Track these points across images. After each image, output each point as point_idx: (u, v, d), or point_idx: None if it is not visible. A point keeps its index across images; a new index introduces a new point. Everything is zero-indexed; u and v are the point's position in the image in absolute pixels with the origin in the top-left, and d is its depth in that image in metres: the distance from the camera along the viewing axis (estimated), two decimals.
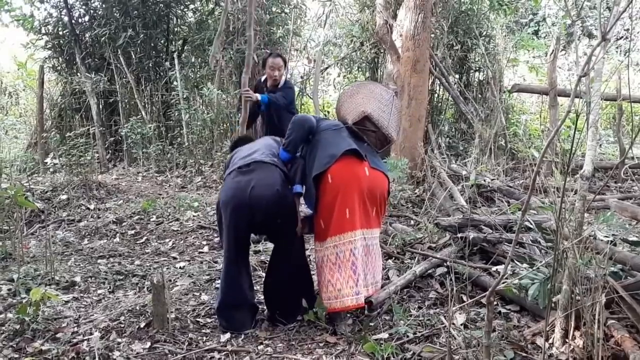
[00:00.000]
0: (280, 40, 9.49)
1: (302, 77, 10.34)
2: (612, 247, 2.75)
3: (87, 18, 9.52)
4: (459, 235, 4.00)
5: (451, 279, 3.58)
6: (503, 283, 3.61)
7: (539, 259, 3.54)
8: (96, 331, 3.39)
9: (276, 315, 3.45)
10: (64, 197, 6.60)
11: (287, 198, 3.26)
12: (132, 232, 5.61)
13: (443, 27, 8.02)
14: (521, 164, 7.11)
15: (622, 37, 14.62)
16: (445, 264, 3.91)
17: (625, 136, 8.19)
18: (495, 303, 3.34)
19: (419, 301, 3.67)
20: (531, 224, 4.13)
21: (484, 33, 8.79)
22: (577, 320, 2.80)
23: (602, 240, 2.98)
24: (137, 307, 3.70)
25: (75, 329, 3.46)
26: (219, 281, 3.53)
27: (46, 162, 7.41)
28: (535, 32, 15.30)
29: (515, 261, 3.60)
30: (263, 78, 5.58)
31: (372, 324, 3.31)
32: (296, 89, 10.58)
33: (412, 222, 5.45)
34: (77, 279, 4.35)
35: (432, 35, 7.85)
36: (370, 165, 3.32)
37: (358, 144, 3.35)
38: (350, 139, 3.36)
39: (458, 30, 8.54)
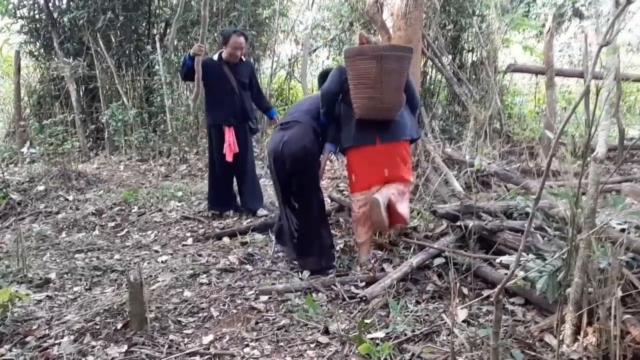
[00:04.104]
0: (267, 21, 9.16)
1: (289, 60, 10.01)
2: (628, 236, 2.52)
3: (64, 0, 9.10)
4: (458, 223, 3.76)
5: (450, 271, 3.37)
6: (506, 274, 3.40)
7: (543, 247, 3.33)
8: (69, 334, 3.14)
9: (311, 269, 3.88)
10: (42, 188, 6.31)
11: (312, 152, 3.87)
12: (113, 224, 5.33)
13: (435, 5, 7.72)
14: (517, 147, 6.88)
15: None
16: (443, 254, 3.67)
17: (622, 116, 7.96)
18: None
19: (417, 294, 3.44)
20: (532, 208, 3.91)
21: (477, 12, 8.50)
22: (590, 315, 2.58)
23: (614, 228, 2.76)
24: (115, 306, 3.45)
25: (47, 332, 3.21)
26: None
27: (22, 152, 7.08)
28: (526, 14, 15.00)
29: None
30: (216, 56, 5.25)
31: (367, 320, 3.07)
32: (283, 72, 10.34)
33: None
34: (52, 275, 4.09)
35: (424, 15, 7.55)
36: (381, 143, 3.77)
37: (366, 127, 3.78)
38: (357, 127, 3.81)
39: (450, 9, 8.24)
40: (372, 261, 3.93)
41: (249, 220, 5.25)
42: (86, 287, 3.92)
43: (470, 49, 8.82)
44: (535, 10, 15.00)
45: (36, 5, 8.92)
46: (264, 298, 3.51)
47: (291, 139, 3.82)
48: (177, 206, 5.68)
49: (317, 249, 3.94)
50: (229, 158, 5.21)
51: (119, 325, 3.21)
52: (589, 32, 11.00)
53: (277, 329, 3.07)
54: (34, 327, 3.28)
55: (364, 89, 3.62)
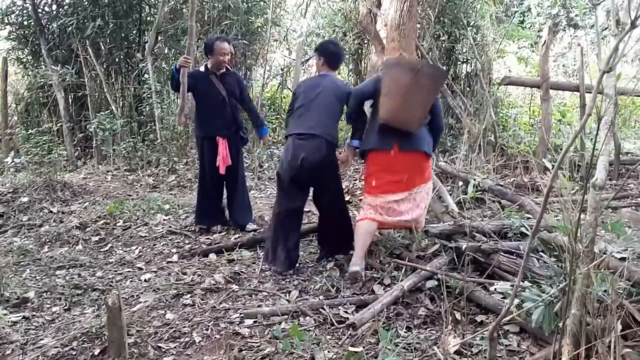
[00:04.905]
0: (259, 30, 9.04)
1: (282, 69, 9.90)
2: (629, 266, 2.40)
3: (54, 7, 8.95)
4: (452, 245, 3.64)
5: (442, 295, 3.24)
6: (501, 300, 3.27)
7: (538, 271, 3.21)
8: None
9: (331, 252, 4.39)
10: (26, 199, 6.15)
11: (331, 162, 4.20)
12: (96, 238, 5.18)
13: (430, 16, 7.63)
14: (512, 160, 6.77)
15: (607, 27, 14.36)
16: (435, 276, 3.55)
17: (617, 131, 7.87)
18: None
19: (408, 319, 3.31)
20: (527, 228, 3.82)
21: (472, 23, 8.42)
22: (588, 347, 2.46)
23: (614, 257, 2.64)
24: (93, 330, 3.30)
25: (21, 357, 3.07)
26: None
27: (6, 161, 6.92)
28: (521, 23, 14.98)
29: (514, 276, 3.27)
30: (203, 68, 5.15)
31: (356, 349, 2.93)
32: (275, 82, 10.23)
33: None
34: (31, 294, 3.93)
35: (418, 25, 7.45)
36: (398, 151, 3.92)
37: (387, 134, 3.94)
38: (378, 132, 3.99)
39: (445, 20, 8.15)
40: (363, 273, 3.83)
41: (237, 235, 5.11)
42: (65, 308, 3.77)
43: (465, 60, 8.73)
44: (530, 19, 15.00)
45: (25, 11, 8.77)
46: (248, 322, 3.37)
47: (310, 152, 4.06)
48: (164, 220, 5.53)
49: (336, 241, 4.37)
50: (222, 171, 5.08)
51: (97, 351, 3.07)
52: (584, 43, 10.97)
53: (261, 358, 2.93)
54: (8, 352, 3.14)
55: (393, 96, 3.81)
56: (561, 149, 7.45)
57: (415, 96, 3.77)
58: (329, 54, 4.37)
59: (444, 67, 8.33)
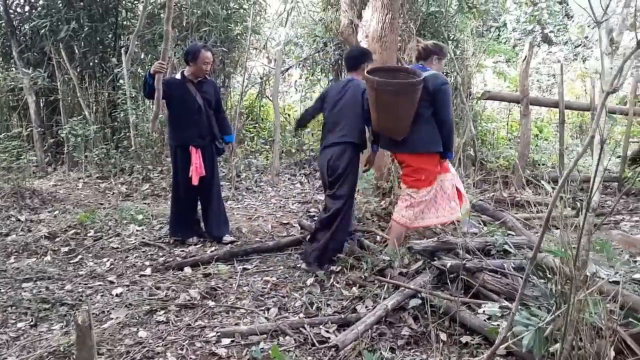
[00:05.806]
0: (238, 37, 8.92)
1: (261, 78, 9.78)
2: (623, 291, 2.34)
3: (26, 8, 8.70)
4: (435, 263, 3.56)
5: (426, 314, 3.17)
6: (486, 321, 3.20)
7: (526, 292, 3.14)
8: None
9: (315, 261, 4.41)
10: None
11: (350, 169, 4.42)
12: (66, 249, 4.97)
13: (411, 29, 7.60)
14: (491, 175, 6.76)
15: (581, 44, 14.60)
16: (419, 295, 3.46)
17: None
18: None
19: (391, 340, 3.21)
20: (510, 246, 3.77)
21: (452, 37, 8.43)
22: None
23: (604, 279, 2.58)
24: (61, 348, 3.13)
25: None
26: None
27: None
28: (497, 38, 15.15)
29: (499, 296, 3.21)
30: (179, 75, 5.00)
31: None
32: (254, 90, 10.12)
33: (378, 237, 4.99)
34: None
35: (399, 38, 7.43)
36: (395, 152, 4.38)
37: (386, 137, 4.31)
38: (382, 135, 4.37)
39: (426, 33, 8.15)
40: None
41: (213, 248, 4.96)
42: (31, 324, 3.58)
43: (445, 73, 8.73)
44: (506, 34, 15.17)
45: None
46: (226, 341, 3.23)
47: (335, 156, 4.41)
48: (137, 230, 5.35)
49: (326, 245, 4.41)
50: (195, 182, 4.93)
51: None
52: (562, 59, 11.11)
53: None
54: None
55: (372, 110, 4.09)
56: (539, 165, 7.49)
57: (386, 111, 3.94)
58: (344, 58, 4.83)
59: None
